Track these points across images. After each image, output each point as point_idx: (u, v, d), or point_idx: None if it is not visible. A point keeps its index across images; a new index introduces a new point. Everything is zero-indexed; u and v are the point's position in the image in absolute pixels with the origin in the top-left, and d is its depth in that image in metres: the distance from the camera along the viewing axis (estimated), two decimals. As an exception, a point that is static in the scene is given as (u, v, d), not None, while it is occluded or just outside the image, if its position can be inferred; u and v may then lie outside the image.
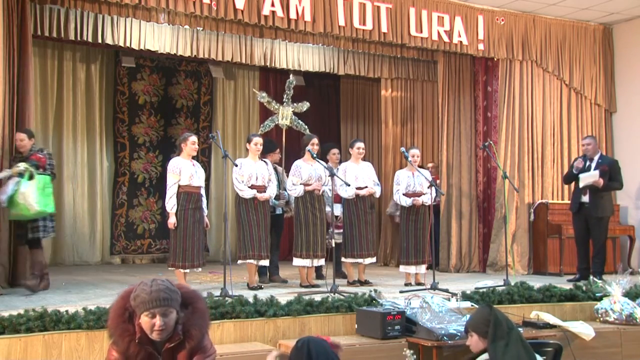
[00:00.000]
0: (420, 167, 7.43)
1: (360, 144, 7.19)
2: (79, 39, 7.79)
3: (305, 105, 8.06)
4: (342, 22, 7.83)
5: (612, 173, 7.66)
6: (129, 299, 2.80)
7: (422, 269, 7.17)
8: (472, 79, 9.41)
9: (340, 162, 7.67)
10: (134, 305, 2.76)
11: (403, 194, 7.11)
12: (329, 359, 3.02)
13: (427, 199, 7.07)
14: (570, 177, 7.92)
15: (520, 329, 3.42)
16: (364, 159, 7.31)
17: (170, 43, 8.38)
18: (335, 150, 7.79)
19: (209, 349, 2.88)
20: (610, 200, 7.89)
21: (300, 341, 3.13)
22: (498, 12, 8.96)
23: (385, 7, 8.09)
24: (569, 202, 8.21)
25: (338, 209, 7.29)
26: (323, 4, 7.73)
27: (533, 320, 5.54)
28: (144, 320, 2.74)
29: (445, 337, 4.74)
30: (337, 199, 7.17)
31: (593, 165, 7.69)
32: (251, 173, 6.53)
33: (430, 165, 9.31)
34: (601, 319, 5.86)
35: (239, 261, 6.54)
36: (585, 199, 7.65)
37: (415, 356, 4.24)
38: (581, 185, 7.63)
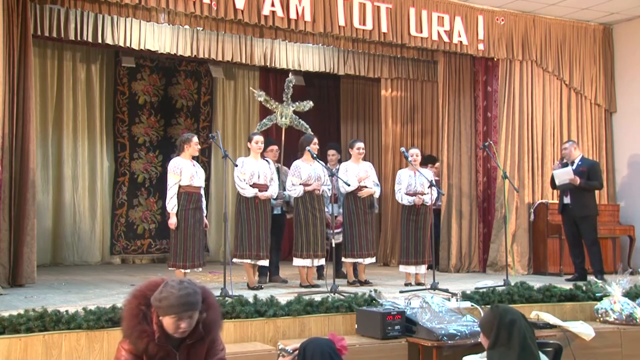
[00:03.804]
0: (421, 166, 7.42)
1: (360, 144, 7.18)
2: (79, 39, 7.79)
3: (307, 105, 7.97)
4: (342, 22, 7.83)
5: (591, 174, 7.80)
6: (143, 298, 2.79)
7: (422, 269, 7.16)
8: (472, 79, 9.41)
9: (340, 161, 7.66)
10: (159, 306, 2.74)
11: (404, 194, 7.11)
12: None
13: (428, 198, 7.07)
14: (551, 180, 8.08)
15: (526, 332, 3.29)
16: (364, 159, 7.30)
17: (170, 43, 8.38)
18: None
19: (220, 344, 2.93)
20: (594, 199, 7.96)
21: (303, 343, 3.16)
22: (498, 12, 8.96)
23: (385, 7, 8.09)
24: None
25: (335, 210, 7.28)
26: (323, 4, 7.73)
27: (533, 320, 5.53)
28: (169, 322, 2.74)
29: (445, 337, 4.74)
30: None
31: (573, 168, 7.80)
32: (253, 171, 6.52)
33: (436, 165, 9.30)
34: (601, 319, 5.85)
35: (235, 260, 6.50)
36: (567, 200, 7.80)
37: None
38: (557, 182, 7.76)
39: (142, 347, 2.74)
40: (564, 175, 7.70)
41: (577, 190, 7.71)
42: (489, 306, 5.56)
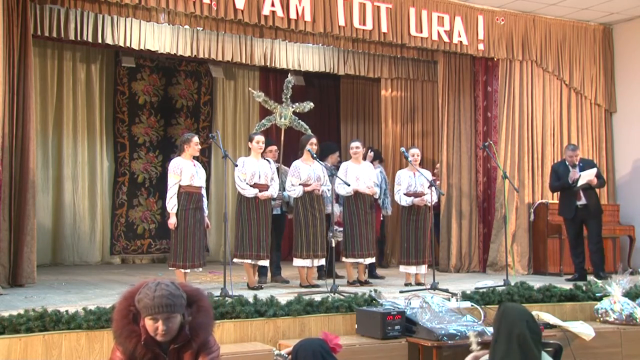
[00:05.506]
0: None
1: (354, 144, 7.17)
2: (79, 39, 7.79)
3: (307, 106, 7.92)
4: (342, 22, 7.83)
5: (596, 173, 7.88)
6: (132, 299, 2.77)
7: (422, 269, 7.16)
8: (472, 79, 9.41)
9: (340, 162, 7.66)
10: (138, 307, 2.75)
11: (404, 194, 7.11)
12: None
13: (428, 199, 7.07)
14: (563, 187, 7.90)
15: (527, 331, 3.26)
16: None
17: (170, 43, 8.38)
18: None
19: (213, 346, 2.89)
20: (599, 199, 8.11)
21: (295, 345, 3.16)
22: (498, 12, 8.96)
23: (385, 7, 8.09)
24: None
25: (337, 208, 7.28)
26: (323, 4, 7.73)
27: (533, 320, 5.53)
28: (148, 323, 2.74)
29: (445, 337, 4.74)
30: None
31: (577, 169, 7.80)
32: (254, 171, 6.52)
33: (438, 165, 9.28)
34: (601, 319, 5.85)
35: (235, 259, 6.51)
36: (583, 201, 7.77)
37: None
38: (580, 183, 7.68)
39: (131, 348, 2.73)
40: (588, 177, 7.69)
41: (589, 191, 7.75)
42: (489, 306, 5.57)
